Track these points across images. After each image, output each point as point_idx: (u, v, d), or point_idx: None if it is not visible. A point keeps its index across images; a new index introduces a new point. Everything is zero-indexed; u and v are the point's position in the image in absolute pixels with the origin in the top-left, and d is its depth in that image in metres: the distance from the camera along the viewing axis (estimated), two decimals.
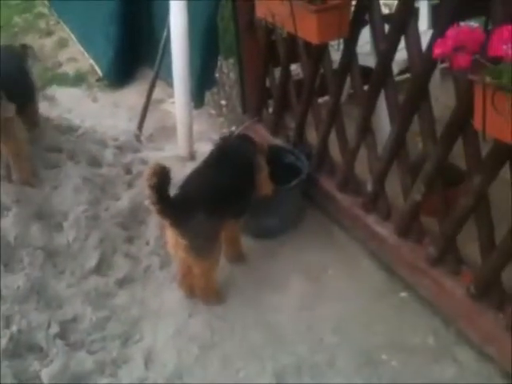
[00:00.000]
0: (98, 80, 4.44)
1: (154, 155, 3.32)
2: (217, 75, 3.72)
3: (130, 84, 4.39)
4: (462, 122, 1.74)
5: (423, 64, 1.83)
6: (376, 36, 2.02)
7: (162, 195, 1.98)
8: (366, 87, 2.25)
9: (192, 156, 3.16)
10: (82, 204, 2.66)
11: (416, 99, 1.93)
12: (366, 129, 2.26)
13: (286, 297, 2.38)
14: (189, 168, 3.05)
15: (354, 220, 2.48)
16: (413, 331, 2.21)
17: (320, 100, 2.73)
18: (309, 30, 1.92)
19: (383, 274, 2.44)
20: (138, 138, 3.53)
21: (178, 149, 3.20)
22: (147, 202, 2.07)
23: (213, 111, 3.88)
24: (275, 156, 2.68)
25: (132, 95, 4.24)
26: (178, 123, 3.10)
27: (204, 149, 3.25)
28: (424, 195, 2.02)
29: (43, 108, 3.77)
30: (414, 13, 1.85)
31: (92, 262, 2.49)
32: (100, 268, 2.49)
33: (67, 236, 2.53)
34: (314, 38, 1.94)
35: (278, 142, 3.05)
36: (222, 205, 2.21)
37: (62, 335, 2.16)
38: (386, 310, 2.30)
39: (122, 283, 2.45)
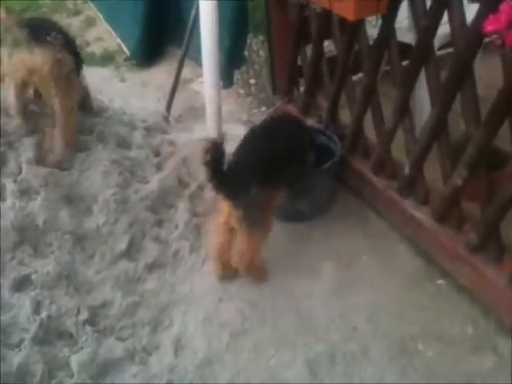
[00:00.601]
0: (126, 60, 4.38)
1: (183, 136, 3.27)
2: (246, 53, 3.62)
3: (158, 64, 4.32)
4: (509, 103, 1.62)
5: (468, 40, 1.72)
6: (416, 11, 1.89)
7: (217, 171, 1.99)
8: (403, 64, 2.13)
9: (222, 137, 3.09)
10: (111, 187, 2.63)
11: (459, 78, 1.81)
12: (404, 110, 2.15)
13: (318, 283, 2.32)
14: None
15: (390, 204, 2.39)
16: (450, 320, 2.12)
17: (354, 77, 2.61)
18: (345, 5, 1.82)
19: (419, 260, 2.36)
20: (166, 119, 3.48)
21: (207, 130, 3.12)
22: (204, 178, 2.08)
23: (242, 91, 3.80)
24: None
25: (160, 75, 4.17)
26: (207, 104, 3.02)
27: (234, 130, 3.20)
28: (466, 180, 1.91)
29: None
30: None
31: (121, 246, 2.46)
32: (129, 252, 2.46)
33: (96, 220, 2.50)
34: (350, 14, 1.83)
35: (309, 122, 2.95)
36: (275, 175, 2.17)
37: (92, 321, 2.15)
38: (422, 298, 2.22)
39: (152, 268, 2.42)
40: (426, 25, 1.87)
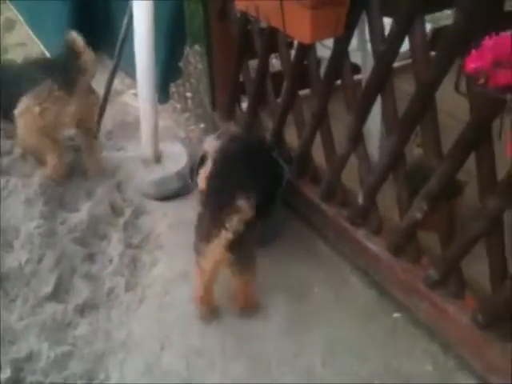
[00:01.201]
0: None
1: (115, 156, 3.01)
2: (181, 65, 3.40)
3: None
4: (476, 139, 1.53)
5: (432, 71, 1.60)
6: (375, 35, 1.77)
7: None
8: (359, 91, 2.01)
9: (158, 157, 2.86)
10: (35, 218, 2.35)
11: (420, 110, 1.70)
12: (358, 136, 2.03)
13: (269, 320, 2.16)
14: (154, 171, 2.80)
15: (341, 233, 2.27)
16: (409, 357, 2.02)
17: (301, 93, 2.47)
18: (300, 29, 1.66)
19: (373, 292, 2.25)
20: (96, 136, 3.18)
21: (141, 149, 2.88)
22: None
23: (178, 105, 3.57)
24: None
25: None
26: (142, 121, 2.78)
27: (170, 148, 2.98)
28: (425, 213, 1.81)
29: None
30: (420, 10, 1.61)
31: (48, 286, 2.19)
32: (57, 293, 2.20)
33: (19, 257, 2.22)
34: (306, 38, 1.67)
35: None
36: (261, 205, 2.01)
37: (16, 379, 1.87)
38: (378, 333, 2.11)
39: (83, 310, 2.17)
40: (383, 50, 1.75)
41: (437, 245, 1.92)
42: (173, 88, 3.58)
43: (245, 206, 1.82)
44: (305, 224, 2.54)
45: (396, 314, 2.15)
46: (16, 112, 2.46)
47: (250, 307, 2.18)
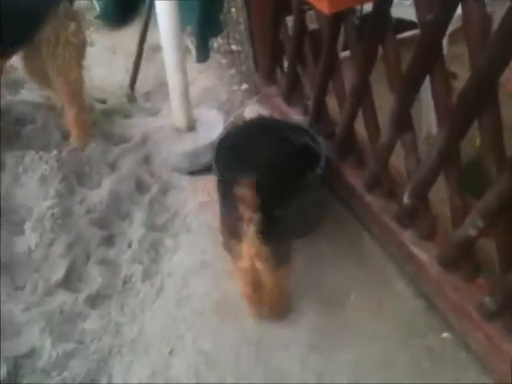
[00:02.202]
0: (96, 18, 3.78)
1: (149, 122, 2.77)
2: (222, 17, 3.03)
3: (131, 25, 3.73)
4: None
5: (493, 50, 1.19)
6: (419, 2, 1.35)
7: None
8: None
9: (191, 126, 2.58)
10: (50, 198, 2.18)
11: (478, 102, 1.29)
12: (404, 122, 1.64)
13: (295, 330, 1.89)
14: (186, 141, 2.55)
15: (386, 232, 1.93)
16: None
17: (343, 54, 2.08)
18: None
19: (421, 303, 1.91)
20: (130, 98, 2.95)
21: (172, 116, 2.61)
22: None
23: (223, 60, 3.24)
24: (285, 134, 2.13)
25: (132, 39, 3.57)
26: (170, 87, 2.49)
27: (205, 115, 2.69)
28: (481, 231, 1.44)
29: None
30: None
31: (58, 273, 2.04)
32: (68, 281, 2.05)
33: (28, 241, 2.07)
34: (323, 6, 1.29)
35: (293, 112, 2.45)
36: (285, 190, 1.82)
37: (12, 378, 1.75)
38: (422, 355, 1.78)
39: (95, 301, 2.01)
40: (432, 20, 1.33)
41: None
42: (220, 40, 3.25)
43: (244, 194, 1.53)
44: (349, 211, 2.21)
45: (445, 334, 1.82)
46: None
47: (276, 310, 1.92)
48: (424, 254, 1.76)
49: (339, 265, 2.07)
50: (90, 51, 3.56)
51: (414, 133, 1.67)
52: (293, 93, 2.42)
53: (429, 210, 1.74)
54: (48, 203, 2.15)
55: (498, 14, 1.71)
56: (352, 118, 1.92)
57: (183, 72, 2.45)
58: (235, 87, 2.99)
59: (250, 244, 1.65)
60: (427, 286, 1.80)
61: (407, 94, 1.56)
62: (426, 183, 1.63)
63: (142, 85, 3.10)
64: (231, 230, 1.68)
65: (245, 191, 1.54)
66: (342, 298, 1.97)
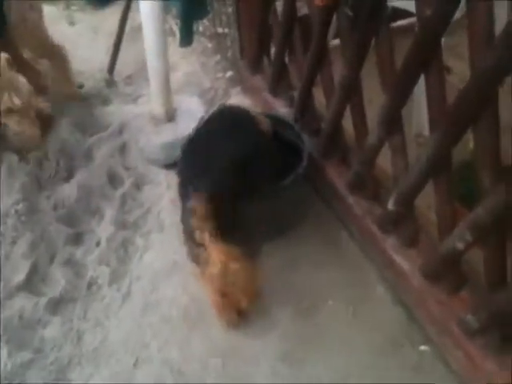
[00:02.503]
0: None
1: (128, 109, 2.61)
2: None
3: (115, 3, 3.52)
4: None
5: (497, 54, 1.04)
6: None
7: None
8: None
9: (170, 115, 2.43)
10: (15, 192, 2.03)
11: (477, 106, 1.14)
12: (393, 124, 1.49)
13: (266, 340, 1.77)
14: (164, 131, 2.40)
15: (368, 237, 1.80)
16: None
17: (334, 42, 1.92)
18: None
19: (400, 312, 1.79)
20: (109, 83, 2.79)
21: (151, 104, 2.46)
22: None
23: (209, 44, 3.07)
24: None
25: (116, 18, 3.40)
26: (150, 73, 2.33)
27: (186, 104, 2.54)
28: (469, 245, 1.30)
29: None
30: None
31: (20, 274, 1.91)
32: (30, 284, 1.92)
33: None
34: None
35: (278, 104, 2.29)
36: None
37: None
38: (399, 368, 1.68)
39: (57, 306, 1.89)
40: (430, 16, 1.17)
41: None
42: (206, 22, 3.08)
43: (195, 207, 1.39)
44: (331, 211, 2.07)
45: (424, 347, 1.70)
46: None
47: (247, 316, 1.80)
48: (406, 262, 1.64)
49: (316, 267, 1.95)
50: (71, 31, 3.45)
51: (403, 135, 1.53)
52: (279, 83, 2.27)
53: (414, 217, 1.61)
54: (12, 199, 2.00)
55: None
56: (339, 113, 1.78)
57: (164, 58, 2.29)
58: (219, 74, 2.83)
59: (216, 250, 1.51)
60: (408, 295, 1.68)
61: (400, 93, 1.41)
62: (413, 190, 1.49)
63: (123, 68, 2.94)
64: (192, 238, 1.54)
65: (195, 204, 1.39)
66: (318, 304, 1.85)
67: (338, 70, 1.71)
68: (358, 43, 1.54)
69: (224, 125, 1.76)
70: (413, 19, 1.84)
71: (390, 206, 1.58)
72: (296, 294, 1.88)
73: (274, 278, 1.92)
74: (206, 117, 1.87)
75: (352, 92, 1.67)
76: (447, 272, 1.49)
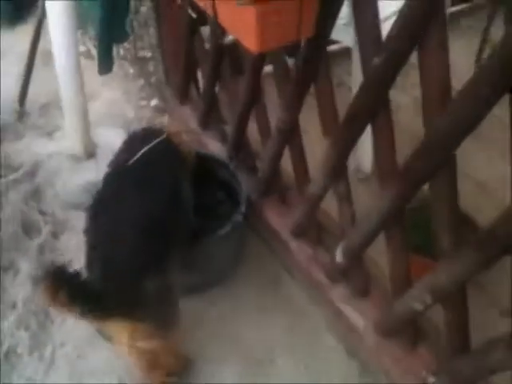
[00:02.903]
0: None
1: (39, 146, 2.36)
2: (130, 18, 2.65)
3: (27, 22, 3.25)
4: None
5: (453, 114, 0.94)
6: (362, 35, 1.08)
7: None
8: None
9: (90, 152, 2.21)
10: None
11: (430, 169, 1.05)
12: (339, 171, 1.38)
13: None
14: (83, 170, 2.18)
15: (314, 285, 1.68)
16: None
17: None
18: (245, 31, 0.99)
19: (354, 366, 1.68)
20: (20, 115, 2.53)
21: (68, 141, 2.23)
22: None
23: (131, 70, 2.87)
24: (201, 168, 1.82)
25: (26, 39, 3.13)
26: (64, 103, 2.11)
27: (108, 137, 2.32)
28: (428, 307, 1.21)
29: None
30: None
31: None
32: None
33: None
34: (252, 45, 1.00)
35: (208, 138, 2.14)
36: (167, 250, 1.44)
37: None
38: None
39: None
40: (380, 63, 1.07)
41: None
42: (127, 45, 2.88)
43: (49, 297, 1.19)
44: (273, 254, 1.94)
45: None
46: None
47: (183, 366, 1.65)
48: (357, 315, 1.54)
49: (261, 315, 1.82)
50: None
51: (348, 181, 1.42)
52: (209, 115, 2.11)
53: (364, 267, 1.51)
54: None
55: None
56: (277, 156, 1.65)
57: (79, 88, 2.09)
58: (143, 102, 2.64)
59: (114, 330, 1.33)
60: (360, 350, 1.58)
61: (344, 142, 1.30)
62: (362, 244, 1.39)
63: (36, 97, 2.68)
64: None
65: (47, 295, 1.18)
66: (267, 359, 1.71)
67: (273, 105, 1.59)
68: (295, 91, 1.42)
69: (135, 170, 1.56)
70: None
71: (338, 258, 1.47)
72: (242, 349, 1.74)
73: (216, 331, 1.78)
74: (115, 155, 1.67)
75: (290, 135, 1.54)
76: (403, 329, 1.40)
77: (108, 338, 1.41)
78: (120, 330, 1.34)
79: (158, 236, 1.42)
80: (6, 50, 3.09)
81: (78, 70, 2.01)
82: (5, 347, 1.72)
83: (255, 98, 1.66)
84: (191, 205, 1.65)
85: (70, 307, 1.20)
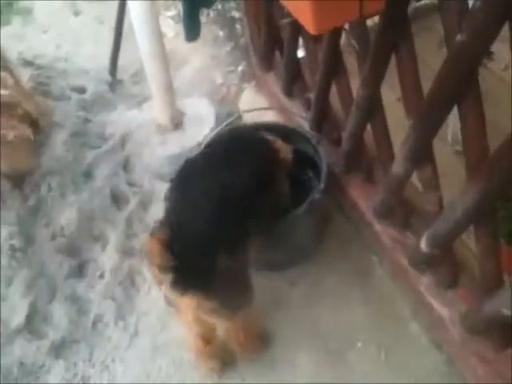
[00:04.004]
0: None
1: (130, 116, 2.40)
2: None
3: None
4: None
5: None
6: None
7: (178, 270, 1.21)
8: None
9: (177, 122, 2.21)
10: (8, 224, 1.87)
11: None
12: (423, 153, 1.24)
13: None
14: (171, 141, 2.18)
15: (399, 271, 1.56)
16: None
17: None
18: (302, 10, 0.88)
19: (438, 355, 1.56)
20: (112, 85, 2.57)
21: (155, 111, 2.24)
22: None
23: (221, 32, 2.80)
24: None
25: None
26: (148, 76, 2.10)
27: (195, 106, 2.30)
28: None
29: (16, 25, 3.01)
30: None
31: (19, 317, 1.76)
32: (30, 324, 1.77)
33: None
34: (309, 26, 0.89)
35: (293, 106, 2.04)
36: (249, 226, 1.43)
37: None
38: None
39: (60, 348, 1.74)
40: (465, 40, 0.90)
41: None
42: (217, 6, 2.81)
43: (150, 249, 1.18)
44: (357, 233, 1.84)
45: None
46: None
47: (253, 348, 1.63)
48: (444, 308, 1.41)
49: (343, 301, 1.73)
50: (75, 21, 3.23)
51: (434, 167, 1.26)
52: (294, 83, 2.00)
53: (452, 258, 1.36)
54: (6, 232, 1.84)
55: None
56: (359, 134, 1.53)
57: (162, 62, 2.05)
58: (231, 68, 2.57)
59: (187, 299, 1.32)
60: (446, 344, 1.45)
61: (427, 125, 1.15)
62: (450, 235, 1.24)
63: (129, 64, 2.70)
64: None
65: (151, 246, 1.17)
66: (346, 346, 1.65)
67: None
68: (374, 64, 1.27)
69: (227, 150, 1.52)
70: None
71: (423, 246, 1.34)
72: (320, 334, 1.69)
73: (295, 313, 1.73)
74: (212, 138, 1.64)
75: (371, 112, 1.40)
76: (492, 329, 1.25)
77: (176, 309, 1.42)
78: (187, 302, 1.33)
79: (237, 212, 1.38)
80: (102, 18, 3.15)
81: (160, 42, 1.97)
82: (92, 316, 1.80)
83: (334, 68, 1.52)
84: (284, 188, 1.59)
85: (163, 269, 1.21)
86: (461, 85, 0.97)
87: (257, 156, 1.50)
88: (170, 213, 1.39)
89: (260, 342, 1.65)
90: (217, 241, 1.31)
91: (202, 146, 1.65)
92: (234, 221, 1.37)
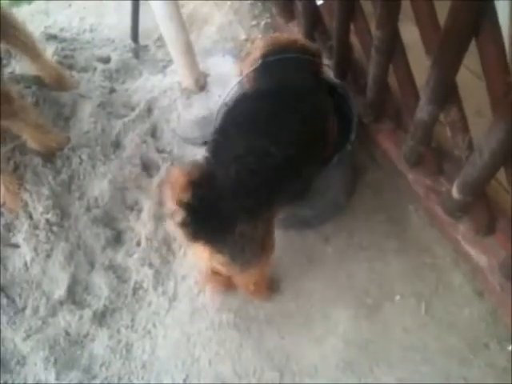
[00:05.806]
0: None
1: (155, 82, 2.37)
2: None
3: None
4: None
5: None
6: None
7: (197, 213, 1.17)
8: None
9: (201, 84, 2.17)
10: (43, 199, 1.91)
11: None
12: (449, 93, 1.15)
13: (327, 346, 1.58)
14: (196, 104, 2.15)
15: (435, 221, 1.50)
16: None
17: None
18: None
19: (483, 304, 1.50)
20: (136, 51, 2.54)
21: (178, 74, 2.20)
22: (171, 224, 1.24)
23: None
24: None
25: None
26: (167, 40, 2.05)
27: (218, 66, 2.25)
28: None
29: (40, 2, 2.97)
30: None
31: (60, 288, 1.82)
32: (72, 296, 1.82)
33: (23, 255, 1.85)
34: None
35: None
36: (276, 190, 1.36)
37: None
38: (484, 374, 1.42)
39: (102, 317, 1.79)
40: None
41: None
42: None
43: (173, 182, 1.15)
44: (390, 178, 1.76)
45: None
46: None
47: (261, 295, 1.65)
48: (483, 256, 1.35)
49: (380, 252, 1.69)
50: None
51: (461, 107, 1.17)
52: (315, 31, 1.91)
53: (487, 203, 1.28)
54: (41, 208, 1.88)
55: None
56: (381, 79, 1.45)
57: (179, 23, 1.99)
58: (254, 22, 2.48)
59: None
60: (488, 293, 1.39)
61: (446, 62, 1.05)
62: (481, 180, 1.16)
63: (153, 28, 2.64)
64: None
65: (177, 178, 1.14)
66: (384, 300, 1.61)
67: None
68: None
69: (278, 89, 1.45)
70: None
71: (455, 194, 1.26)
72: (357, 289, 1.65)
73: (330, 269, 1.70)
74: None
75: (391, 54, 1.31)
76: None
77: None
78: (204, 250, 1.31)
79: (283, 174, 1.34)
80: None
81: (175, 3, 1.90)
82: (132, 283, 1.83)
83: (351, 11, 1.43)
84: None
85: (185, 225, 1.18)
86: (477, 15, 0.88)
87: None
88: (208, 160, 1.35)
89: (270, 291, 1.65)
90: (245, 196, 1.26)
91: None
92: (275, 183, 1.32)
